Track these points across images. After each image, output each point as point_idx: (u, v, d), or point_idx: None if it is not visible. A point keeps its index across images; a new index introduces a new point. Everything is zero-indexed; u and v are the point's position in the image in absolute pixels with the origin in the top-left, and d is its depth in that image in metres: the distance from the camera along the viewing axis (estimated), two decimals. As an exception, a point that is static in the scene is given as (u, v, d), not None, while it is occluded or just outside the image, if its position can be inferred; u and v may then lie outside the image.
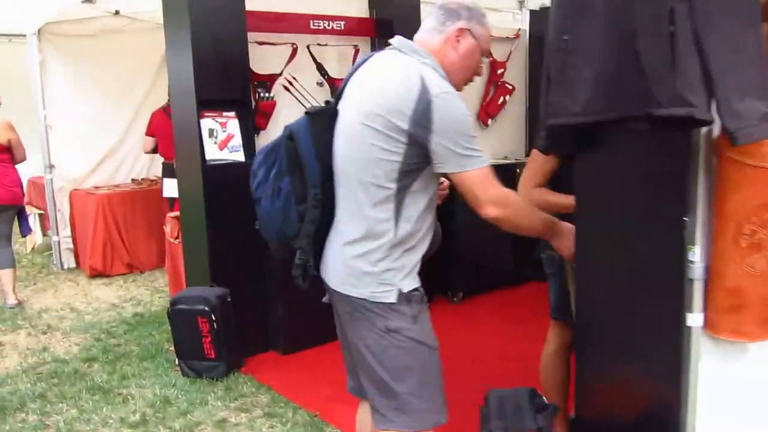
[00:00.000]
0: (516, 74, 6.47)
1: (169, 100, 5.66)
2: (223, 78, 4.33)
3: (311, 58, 5.00)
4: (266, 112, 4.72)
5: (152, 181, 7.35)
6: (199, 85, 4.24)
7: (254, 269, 4.52)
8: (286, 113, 4.86)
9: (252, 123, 4.55)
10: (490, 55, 2.53)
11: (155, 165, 7.60)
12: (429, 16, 2.25)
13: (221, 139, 4.42)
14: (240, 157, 4.46)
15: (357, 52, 5.23)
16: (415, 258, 2.16)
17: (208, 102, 4.32)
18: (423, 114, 1.98)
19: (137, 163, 7.56)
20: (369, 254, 2.11)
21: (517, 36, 6.45)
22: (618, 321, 2.14)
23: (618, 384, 2.17)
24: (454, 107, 2.03)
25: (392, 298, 2.11)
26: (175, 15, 4.33)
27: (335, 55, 5.14)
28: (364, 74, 2.19)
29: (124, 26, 6.94)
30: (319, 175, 2.16)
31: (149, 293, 6.23)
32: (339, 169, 2.18)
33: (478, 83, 6.20)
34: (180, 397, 3.96)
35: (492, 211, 2.09)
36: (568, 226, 2.36)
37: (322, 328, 4.78)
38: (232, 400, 3.90)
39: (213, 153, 4.38)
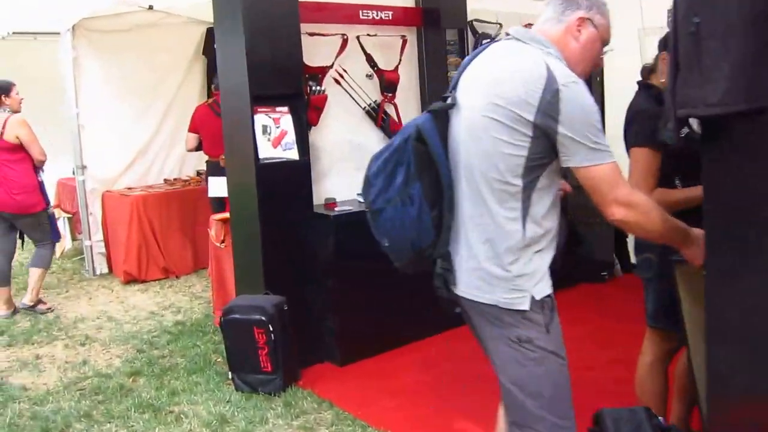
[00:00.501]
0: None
1: (212, 96, 5.39)
2: (276, 71, 4.06)
3: (361, 50, 4.72)
4: (318, 106, 4.44)
5: (185, 181, 7.08)
6: (253, 79, 3.97)
7: (309, 276, 4.25)
8: (337, 107, 4.60)
9: (305, 118, 4.27)
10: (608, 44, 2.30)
11: (187, 164, 7.35)
12: (547, 5, 2.12)
13: (275, 135, 4.14)
14: (294, 155, 4.18)
15: (405, 42, 4.94)
16: (546, 260, 2.03)
17: (262, 97, 4.05)
18: (550, 104, 1.87)
19: (168, 161, 7.29)
20: (499, 257, 1.98)
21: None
22: (758, 332, 1.85)
23: (759, 401, 1.90)
24: (583, 97, 1.90)
25: (525, 305, 1.98)
26: (226, 6, 4.05)
27: (383, 46, 4.86)
28: (484, 65, 2.06)
29: (158, 21, 6.70)
30: (449, 177, 2.04)
31: (188, 300, 5.96)
32: (462, 166, 2.05)
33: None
34: (237, 414, 3.67)
35: (619, 213, 1.93)
36: (700, 233, 2.10)
37: (377, 336, 4.64)
38: (294, 418, 3.62)
39: (267, 151, 4.10)
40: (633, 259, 2.79)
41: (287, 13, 4.08)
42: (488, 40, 5.41)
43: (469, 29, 5.31)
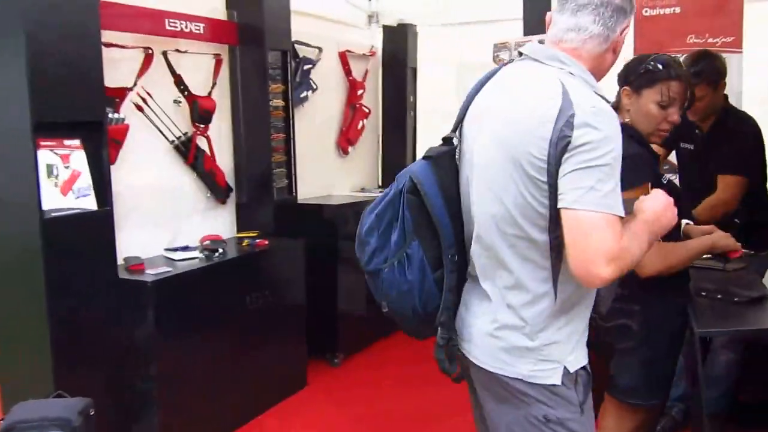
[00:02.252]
0: (370, 96, 5.70)
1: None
2: (68, 91, 2.98)
3: (168, 69, 3.78)
4: (117, 139, 3.42)
5: None
6: (36, 101, 2.85)
7: (120, 365, 3.21)
8: (138, 140, 3.61)
9: (107, 155, 3.22)
10: None
11: None
12: (580, 10, 1.63)
13: (64, 179, 3.05)
14: (90, 203, 3.13)
15: (219, 63, 4.09)
16: (582, 325, 1.70)
17: (47, 126, 2.94)
18: (561, 139, 1.50)
19: None
20: (525, 325, 1.64)
21: (372, 54, 5.69)
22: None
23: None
24: (597, 128, 1.49)
25: (556, 378, 1.64)
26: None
27: (195, 66, 3.97)
28: (493, 96, 1.69)
29: None
30: (453, 234, 1.70)
31: None
32: (474, 220, 1.70)
33: (336, 105, 5.34)
34: None
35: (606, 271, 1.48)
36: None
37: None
38: None
39: (54, 199, 2.99)
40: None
41: (83, 15, 3.03)
42: (310, 65, 4.75)
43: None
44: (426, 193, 1.65)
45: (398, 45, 5.72)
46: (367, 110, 5.57)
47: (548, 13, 1.74)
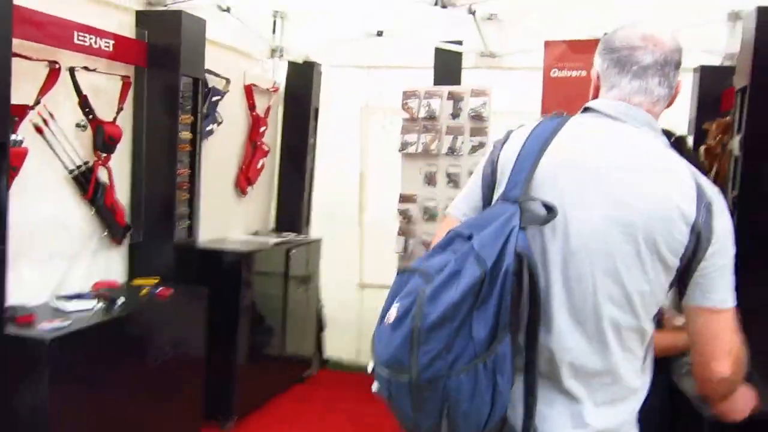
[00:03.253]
0: (269, 134, 5.37)
1: None
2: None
3: (74, 88, 3.29)
4: (13, 165, 2.88)
5: None
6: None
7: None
8: (34, 167, 3.09)
9: (5, 183, 2.69)
10: None
11: None
12: (644, 72, 1.51)
13: (-49, 211, 2.49)
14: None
15: (127, 86, 3.64)
16: None
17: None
18: (706, 224, 1.40)
19: None
20: (622, 425, 1.47)
21: (275, 90, 5.38)
22: None
23: None
24: (728, 214, 1.45)
25: None
26: None
27: (100, 86, 3.49)
28: (587, 158, 1.45)
29: None
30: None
31: None
32: (566, 305, 1.43)
33: (238, 142, 4.97)
34: None
35: (727, 367, 1.45)
36: None
37: None
38: None
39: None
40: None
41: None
42: (218, 96, 4.37)
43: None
44: (536, 275, 1.34)
45: (302, 82, 5.44)
46: (267, 149, 5.23)
47: (594, 71, 1.58)
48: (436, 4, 3.97)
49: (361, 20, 5.01)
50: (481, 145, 4.88)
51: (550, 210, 1.38)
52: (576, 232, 1.41)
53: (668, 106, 1.56)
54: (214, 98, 4.41)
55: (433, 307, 1.31)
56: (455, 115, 4.88)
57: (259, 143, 5.11)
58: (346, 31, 5.18)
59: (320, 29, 5.25)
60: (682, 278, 1.43)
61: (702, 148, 4.06)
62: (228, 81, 4.54)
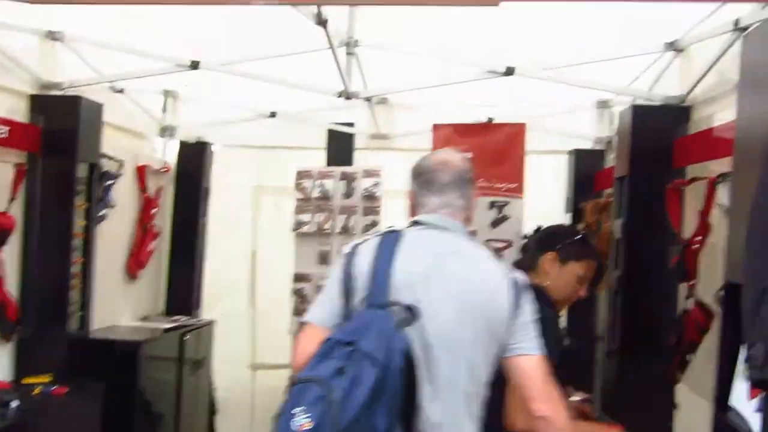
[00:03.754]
0: (160, 215, 5.24)
1: None
2: None
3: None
4: None
5: None
6: None
7: None
8: None
9: None
10: None
11: None
12: (444, 189, 1.97)
13: None
14: None
15: (21, 174, 3.48)
16: None
17: None
18: (515, 299, 1.88)
19: None
20: None
21: (167, 170, 5.29)
22: None
23: None
24: (529, 288, 1.96)
25: None
26: None
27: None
28: (428, 263, 1.85)
29: None
30: None
31: None
32: (432, 383, 1.78)
33: (128, 224, 4.82)
34: None
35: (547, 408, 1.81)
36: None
37: None
38: None
39: None
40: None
41: None
42: (112, 180, 4.24)
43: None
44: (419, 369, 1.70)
45: (194, 162, 5.39)
46: (158, 230, 5.11)
47: (410, 192, 2.04)
48: (340, 96, 4.10)
49: (253, 101, 5.08)
50: (374, 224, 5.01)
51: (412, 312, 1.72)
52: (431, 327, 1.76)
53: (467, 218, 1.99)
54: (108, 182, 4.27)
55: (345, 412, 1.54)
56: (348, 195, 5.01)
57: (149, 225, 4.98)
58: (239, 111, 5.23)
59: (212, 109, 5.26)
60: (504, 343, 1.83)
61: (580, 227, 4.38)
62: (121, 163, 4.43)
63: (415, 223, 1.94)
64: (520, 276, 1.91)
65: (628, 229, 3.48)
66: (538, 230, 2.82)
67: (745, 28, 2.70)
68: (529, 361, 1.83)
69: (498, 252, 4.16)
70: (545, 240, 2.52)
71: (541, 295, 2.27)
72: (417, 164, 2.02)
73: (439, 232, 1.91)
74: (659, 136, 3.49)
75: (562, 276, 2.42)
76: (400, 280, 1.78)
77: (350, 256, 1.87)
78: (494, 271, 1.87)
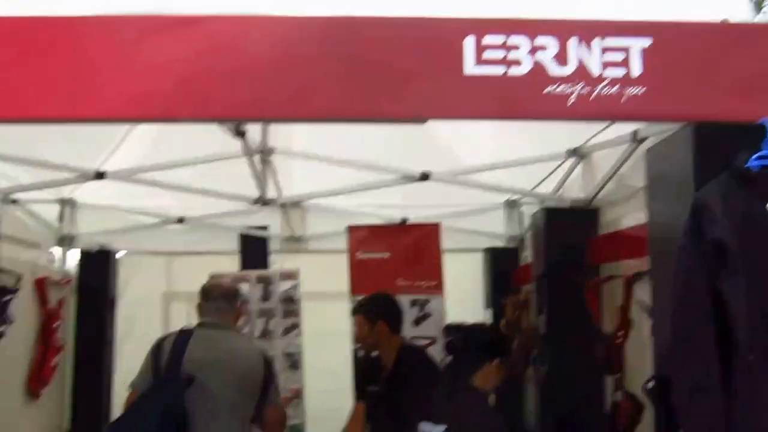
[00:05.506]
0: (62, 329, 4.92)
1: None
2: None
3: None
4: None
5: None
6: None
7: None
8: None
9: None
10: None
11: None
12: (218, 301, 3.07)
13: None
14: None
15: None
16: None
17: None
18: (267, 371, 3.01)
19: None
20: None
21: (67, 282, 5.02)
22: None
23: None
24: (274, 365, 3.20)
25: None
26: None
27: None
28: (206, 352, 2.88)
29: None
30: None
31: None
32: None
33: (28, 340, 4.51)
34: None
35: None
36: None
37: None
38: None
39: None
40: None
41: None
42: (10, 295, 3.97)
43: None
44: None
45: (97, 272, 5.15)
46: (60, 345, 4.79)
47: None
48: (256, 202, 4.06)
49: (158, 207, 4.96)
50: (294, 326, 4.92)
51: (193, 379, 2.68)
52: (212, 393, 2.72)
53: (237, 318, 3.18)
54: (6, 297, 3.99)
55: None
56: (266, 298, 4.92)
57: (52, 340, 4.68)
58: (143, 218, 5.08)
59: (115, 216, 5.09)
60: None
61: (502, 322, 4.44)
62: (19, 277, 4.16)
63: (200, 324, 2.99)
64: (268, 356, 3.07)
65: (552, 325, 3.55)
66: (451, 328, 2.88)
67: (642, 140, 2.87)
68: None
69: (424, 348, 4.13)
70: (491, 348, 2.56)
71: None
72: (203, 287, 3.12)
73: (217, 329, 2.98)
74: (572, 236, 3.63)
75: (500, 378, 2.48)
76: (190, 358, 2.79)
77: (161, 341, 2.92)
78: (252, 351, 3.07)
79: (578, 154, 3.69)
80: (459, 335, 2.86)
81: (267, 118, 2.60)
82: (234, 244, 5.18)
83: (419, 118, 2.13)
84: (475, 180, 4.19)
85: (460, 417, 2.28)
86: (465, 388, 2.40)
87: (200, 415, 2.63)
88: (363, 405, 3.61)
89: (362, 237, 4.91)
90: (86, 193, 4.78)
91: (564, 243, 3.63)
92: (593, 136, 3.49)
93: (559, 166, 3.91)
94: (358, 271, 4.80)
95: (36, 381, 4.51)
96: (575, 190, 3.86)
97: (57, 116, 2.07)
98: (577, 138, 3.63)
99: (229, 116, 2.22)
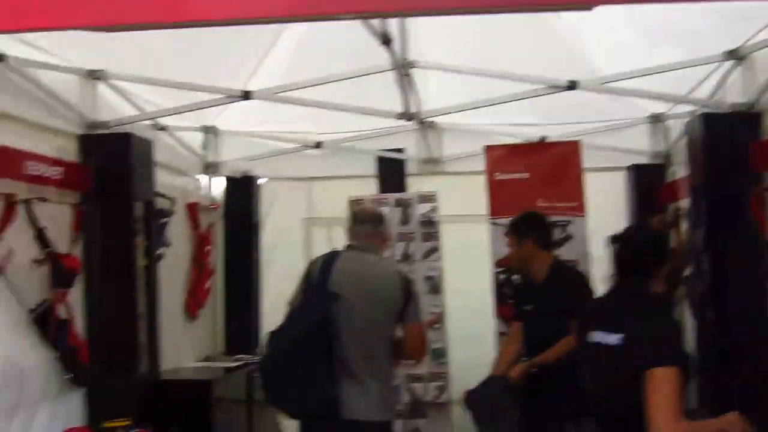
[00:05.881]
0: (213, 253, 5.18)
1: None
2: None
3: (30, 220, 3.08)
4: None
5: None
6: None
7: None
8: None
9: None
10: None
11: None
12: (364, 222, 3.25)
13: None
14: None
15: (80, 215, 3.44)
16: None
17: None
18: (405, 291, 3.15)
19: None
20: None
21: (215, 207, 5.24)
22: None
23: None
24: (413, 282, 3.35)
25: None
26: None
27: (51, 217, 3.29)
28: (355, 268, 3.10)
29: None
30: None
31: None
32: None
33: (184, 263, 4.76)
34: None
35: None
36: None
37: None
38: None
39: None
40: None
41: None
42: (166, 218, 4.21)
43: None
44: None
45: (241, 198, 5.33)
46: (212, 268, 5.05)
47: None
48: (401, 117, 4.04)
49: (295, 133, 5.04)
50: (434, 249, 4.91)
51: (338, 296, 2.92)
52: (356, 309, 2.94)
53: (383, 243, 3.28)
54: (162, 220, 4.23)
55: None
56: (405, 222, 4.92)
57: (205, 263, 4.94)
58: (282, 144, 5.19)
59: (254, 143, 5.22)
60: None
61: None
62: (173, 201, 4.39)
63: (349, 246, 3.18)
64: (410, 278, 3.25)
65: (711, 239, 3.33)
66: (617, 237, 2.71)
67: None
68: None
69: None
70: (662, 253, 2.44)
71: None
72: (353, 211, 3.55)
73: (360, 251, 3.15)
74: (733, 143, 3.37)
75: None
76: (337, 278, 2.98)
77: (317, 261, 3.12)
78: (394, 273, 3.15)
79: (736, 55, 3.43)
80: (627, 241, 2.69)
81: (416, 10, 2.45)
82: (371, 167, 5.19)
83: (586, 5, 1.97)
84: (622, 88, 3.95)
85: (638, 326, 2.15)
86: (639, 296, 2.27)
87: (346, 328, 2.87)
88: (520, 324, 3.59)
89: (500, 157, 4.77)
90: (228, 119, 4.92)
91: (724, 150, 3.38)
92: (753, 35, 3.23)
93: (715, 70, 3.66)
94: (496, 193, 4.69)
95: (193, 303, 4.79)
96: (734, 95, 3.59)
97: (191, 19, 1.73)
98: (735, 39, 3.39)
99: (371, 10, 2.07)
